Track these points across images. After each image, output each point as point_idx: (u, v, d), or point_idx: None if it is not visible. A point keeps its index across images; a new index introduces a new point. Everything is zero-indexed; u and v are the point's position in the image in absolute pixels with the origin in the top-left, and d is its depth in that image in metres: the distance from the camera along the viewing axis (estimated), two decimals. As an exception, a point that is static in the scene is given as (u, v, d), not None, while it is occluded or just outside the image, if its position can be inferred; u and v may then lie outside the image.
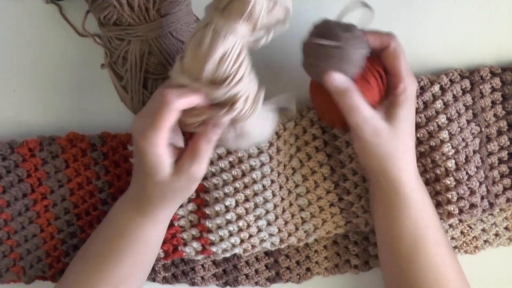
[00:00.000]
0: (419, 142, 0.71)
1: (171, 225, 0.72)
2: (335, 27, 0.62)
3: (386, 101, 0.64)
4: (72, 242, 0.73)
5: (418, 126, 0.71)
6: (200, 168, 0.61)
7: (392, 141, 0.63)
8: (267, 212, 0.72)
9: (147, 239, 0.66)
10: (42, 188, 0.72)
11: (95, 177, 0.72)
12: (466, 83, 0.71)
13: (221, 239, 0.72)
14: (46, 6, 0.72)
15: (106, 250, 0.66)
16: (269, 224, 0.73)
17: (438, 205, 0.71)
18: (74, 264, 0.69)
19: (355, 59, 0.62)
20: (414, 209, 0.66)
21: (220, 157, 0.72)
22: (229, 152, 0.72)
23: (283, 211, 0.73)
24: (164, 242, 0.72)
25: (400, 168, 0.65)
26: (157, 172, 0.60)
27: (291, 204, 0.73)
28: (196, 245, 0.73)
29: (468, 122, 0.71)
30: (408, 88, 0.64)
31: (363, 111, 0.62)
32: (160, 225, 0.67)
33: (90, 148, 0.72)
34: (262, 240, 0.73)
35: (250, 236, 0.73)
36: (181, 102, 0.58)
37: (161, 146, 0.59)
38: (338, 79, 0.62)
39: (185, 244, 0.73)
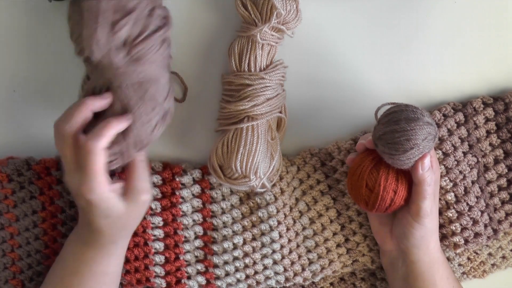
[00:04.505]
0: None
1: (176, 258, 0.73)
2: (416, 112, 0.63)
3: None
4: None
5: None
6: (147, 187, 0.64)
7: (436, 217, 0.68)
8: (274, 251, 0.73)
9: (103, 271, 0.66)
10: (53, 207, 0.72)
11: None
12: (460, 116, 0.72)
13: (227, 274, 0.73)
14: (48, 5, 0.70)
15: None
16: (275, 263, 0.73)
17: (443, 237, 0.72)
18: None
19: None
20: (445, 267, 0.70)
21: (232, 192, 0.73)
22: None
23: (290, 251, 0.74)
24: (168, 273, 0.73)
25: (436, 239, 0.70)
26: (112, 213, 0.61)
27: (298, 246, 0.74)
28: (200, 279, 0.73)
29: (465, 154, 0.71)
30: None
31: (431, 197, 0.65)
32: (114, 255, 0.66)
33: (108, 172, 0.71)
34: (267, 278, 0.74)
35: (256, 272, 0.74)
36: (103, 142, 0.59)
37: (106, 190, 0.60)
38: (429, 163, 0.63)
39: (188, 278, 0.73)
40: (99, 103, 0.61)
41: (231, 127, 0.67)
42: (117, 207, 0.61)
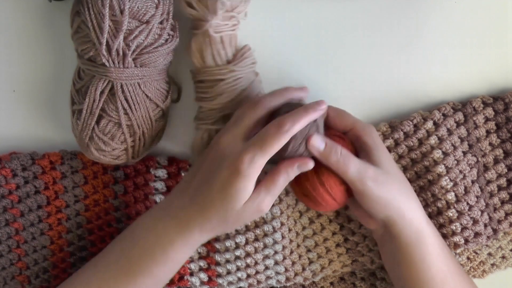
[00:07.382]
0: (417, 176, 0.73)
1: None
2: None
3: (361, 153, 0.65)
4: (81, 255, 0.74)
5: (414, 162, 0.72)
6: (271, 201, 0.60)
7: (393, 183, 0.64)
8: (276, 252, 0.73)
9: (175, 260, 0.63)
10: (58, 201, 0.72)
11: (112, 196, 0.73)
12: (460, 116, 0.72)
13: (228, 272, 0.74)
14: (48, 5, 0.70)
15: (126, 268, 0.63)
16: (276, 263, 0.74)
17: (443, 237, 0.72)
18: (84, 272, 0.66)
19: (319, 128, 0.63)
20: (435, 243, 0.66)
21: None
22: None
23: (291, 252, 0.74)
24: (171, 271, 0.73)
25: (412, 208, 0.65)
26: (241, 198, 0.58)
27: (298, 246, 0.74)
28: (203, 275, 0.74)
29: (464, 153, 0.72)
30: (373, 132, 0.65)
31: (355, 161, 0.62)
32: (191, 248, 0.63)
33: (113, 166, 0.72)
34: (268, 277, 0.74)
35: (257, 272, 0.74)
36: (296, 128, 0.58)
37: (258, 174, 0.58)
38: (319, 141, 0.61)
39: (191, 274, 0.74)
40: (299, 94, 0.64)
41: (211, 127, 0.66)
42: (247, 197, 0.59)
